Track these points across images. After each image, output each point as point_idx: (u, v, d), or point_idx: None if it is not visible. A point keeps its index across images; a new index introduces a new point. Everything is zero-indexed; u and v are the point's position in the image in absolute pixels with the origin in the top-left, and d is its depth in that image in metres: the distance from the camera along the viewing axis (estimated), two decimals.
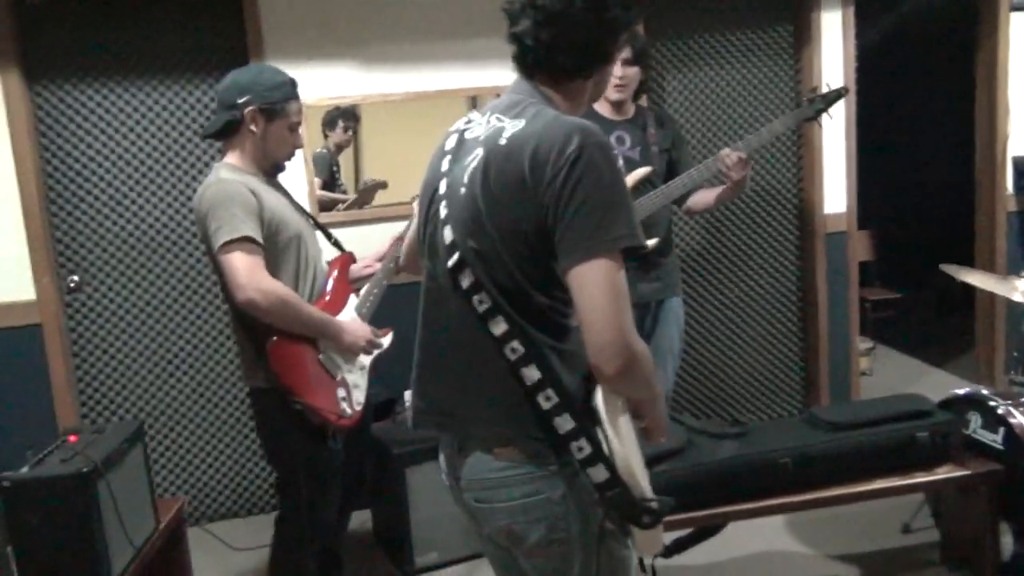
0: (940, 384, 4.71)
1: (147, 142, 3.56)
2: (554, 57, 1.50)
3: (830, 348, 4.35)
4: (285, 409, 2.35)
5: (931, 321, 6.03)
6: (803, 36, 4.16)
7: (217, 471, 3.79)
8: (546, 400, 1.42)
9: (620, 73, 3.10)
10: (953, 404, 2.92)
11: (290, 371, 2.33)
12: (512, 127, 1.44)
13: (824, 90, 3.16)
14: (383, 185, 3.76)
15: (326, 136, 3.64)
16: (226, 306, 3.58)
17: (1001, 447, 2.75)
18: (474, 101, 3.74)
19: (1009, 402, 2.77)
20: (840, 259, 4.32)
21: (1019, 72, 4.43)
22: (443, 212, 1.51)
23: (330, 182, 3.69)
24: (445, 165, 1.55)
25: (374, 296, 2.61)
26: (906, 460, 2.73)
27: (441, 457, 1.66)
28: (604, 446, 1.41)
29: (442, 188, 1.53)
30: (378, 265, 2.67)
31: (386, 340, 2.60)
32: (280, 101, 2.36)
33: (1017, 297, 3.02)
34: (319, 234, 2.63)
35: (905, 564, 3.09)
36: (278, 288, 2.27)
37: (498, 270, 1.43)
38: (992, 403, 2.79)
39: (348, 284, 2.59)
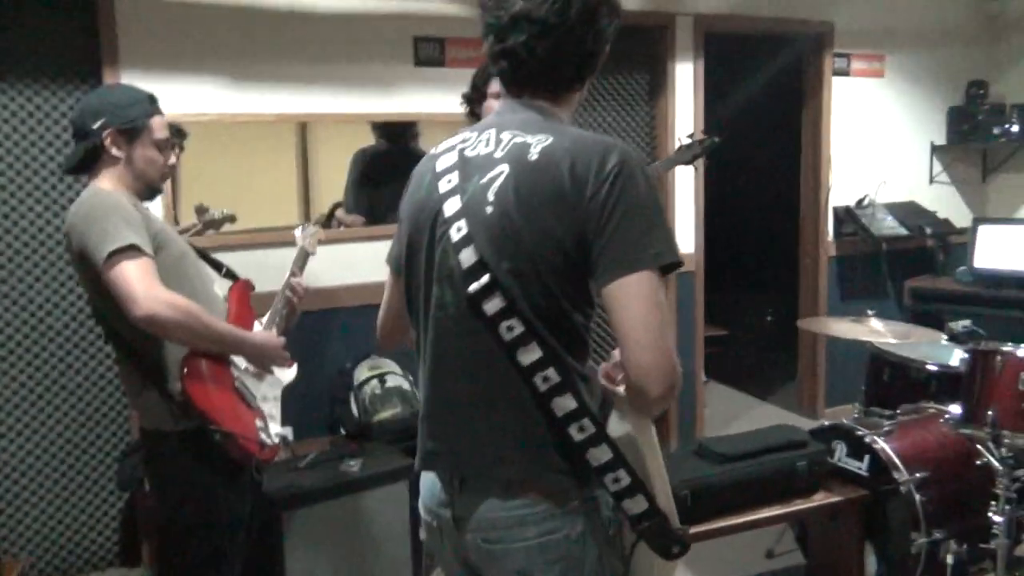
0: (767, 416, 5.04)
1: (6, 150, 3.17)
2: (551, 70, 1.45)
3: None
4: (200, 451, 2.11)
5: (753, 356, 6.45)
6: (658, 85, 4.38)
7: (47, 525, 3.34)
8: (579, 431, 1.35)
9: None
10: (819, 434, 3.11)
11: (208, 396, 2.10)
12: (539, 142, 1.38)
13: (698, 138, 3.32)
14: (231, 219, 3.54)
15: None
16: (98, 342, 3.30)
17: (866, 474, 2.96)
18: (304, 128, 3.66)
19: (872, 431, 3.00)
20: (689, 298, 4.54)
21: (839, 130, 4.89)
22: (457, 234, 1.40)
23: None
24: (445, 186, 1.44)
25: (279, 319, 2.43)
26: (788, 489, 2.87)
27: (427, 495, 1.55)
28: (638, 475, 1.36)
29: (449, 209, 1.42)
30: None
31: (292, 371, 2.42)
32: (140, 117, 2.16)
33: (868, 337, 3.30)
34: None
35: None
36: (178, 298, 2.01)
37: (535, 290, 1.35)
38: (858, 432, 3.00)
39: (250, 309, 2.38)
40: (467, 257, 1.38)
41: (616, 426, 1.39)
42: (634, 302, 1.30)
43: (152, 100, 2.22)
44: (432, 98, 3.74)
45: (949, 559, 2.79)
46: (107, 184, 2.14)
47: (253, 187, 3.60)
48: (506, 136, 1.43)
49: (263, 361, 2.30)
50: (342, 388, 3.63)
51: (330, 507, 3.01)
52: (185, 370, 2.09)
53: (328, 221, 3.73)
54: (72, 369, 3.33)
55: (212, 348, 2.14)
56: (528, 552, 1.41)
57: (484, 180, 1.40)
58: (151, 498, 2.33)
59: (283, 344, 2.34)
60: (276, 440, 2.30)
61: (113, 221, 1.99)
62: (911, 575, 2.88)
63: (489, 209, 1.38)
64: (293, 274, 2.55)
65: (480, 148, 1.45)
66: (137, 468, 3.18)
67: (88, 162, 2.16)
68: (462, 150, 1.47)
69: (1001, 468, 2.77)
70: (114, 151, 2.13)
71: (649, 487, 1.37)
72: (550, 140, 1.38)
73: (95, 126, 2.11)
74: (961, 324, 4.18)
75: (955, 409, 3.12)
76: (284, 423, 2.41)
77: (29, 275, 3.24)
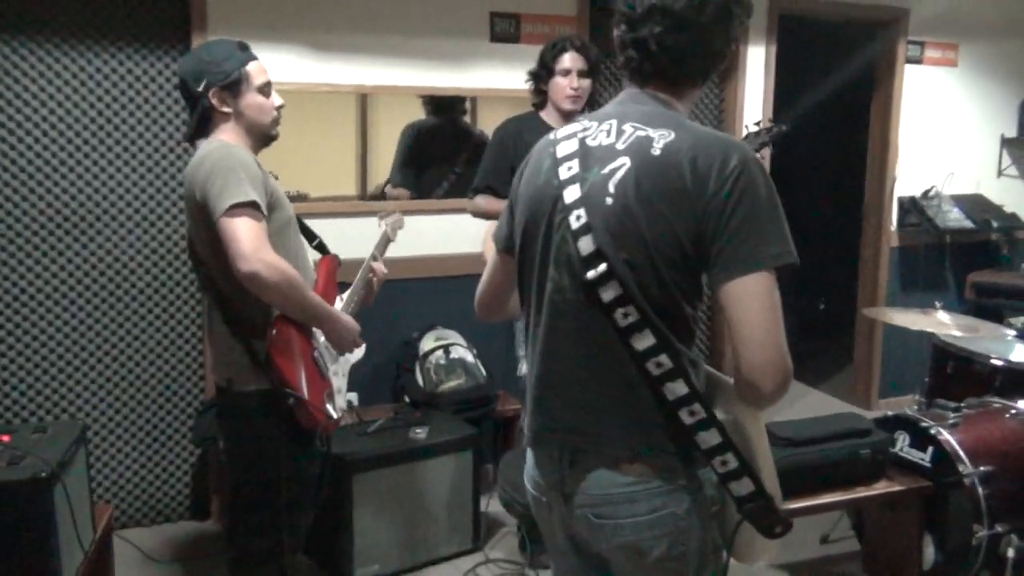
0: (820, 403, 5.03)
1: (83, 112, 3.26)
2: (678, 64, 1.48)
3: None
4: (274, 411, 2.19)
5: (805, 344, 6.41)
6: (728, 68, 4.36)
7: (123, 476, 3.49)
8: (690, 415, 1.39)
9: (575, 84, 3.11)
10: (883, 424, 3.13)
11: (289, 363, 2.17)
12: (662, 137, 1.41)
13: (766, 126, 3.31)
14: (303, 197, 3.61)
15: None
16: (177, 301, 3.43)
17: (928, 464, 2.97)
18: (364, 99, 3.70)
19: (937, 423, 3.00)
20: None
21: (908, 119, 4.84)
22: (577, 222, 1.43)
23: None
24: (565, 173, 1.48)
25: (357, 299, 2.50)
26: (850, 476, 2.90)
27: (536, 472, 1.60)
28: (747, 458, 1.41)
29: (569, 197, 1.45)
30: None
31: (360, 351, 2.49)
32: (237, 68, 2.19)
33: (932, 328, 3.30)
34: None
35: (828, 574, 3.28)
36: (283, 263, 2.07)
37: (650, 281, 1.39)
38: (923, 423, 3.01)
39: (335, 285, 2.45)
40: (585, 245, 1.42)
41: (723, 411, 1.43)
42: (751, 301, 1.34)
43: (244, 47, 2.24)
44: (506, 74, 3.78)
45: (1010, 553, 2.80)
46: (228, 138, 2.19)
47: (314, 158, 3.67)
48: (628, 128, 1.46)
49: (341, 342, 2.35)
50: (408, 357, 3.71)
51: (397, 472, 3.10)
52: (274, 331, 2.16)
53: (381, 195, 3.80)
54: (153, 327, 3.46)
55: (300, 317, 2.20)
56: (637, 527, 1.46)
57: (605, 171, 1.43)
58: (223, 454, 2.40)
59: (359, 330, 2.39)
60: (340, 413, 2.37)
61: (239, 175, 2.04)
62: (970, 567, 2.91)
63: (609, 200, 1.41)
64: (374, 258, 2.59)
65: (601, 138, 1.48)
66: (212, 425, 3.30)
67: (204, 124, 2.22)
68: (583, 138, 1.50)
69: None
70: (224, 108, 2.18)
71: (755, 470, 1.41)
72: (672, 136, 1.41)
73: (200, 89, 2.17)
74: (1022, 320, 4.15)
75: (1022, 404, 3.13)
76: (349, 390, 2.49)
77: (115, 234, 3.36)
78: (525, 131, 3.14)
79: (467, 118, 3.90)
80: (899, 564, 3.04)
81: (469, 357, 3.71)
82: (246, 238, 2.01)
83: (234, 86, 2.19)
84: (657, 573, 1.50)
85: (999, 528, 2.83)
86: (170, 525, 3.56)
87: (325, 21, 3.51)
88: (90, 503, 2.44)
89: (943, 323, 3.35)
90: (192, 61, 2.22)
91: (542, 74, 3.16)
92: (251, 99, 2.21)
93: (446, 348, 3.70)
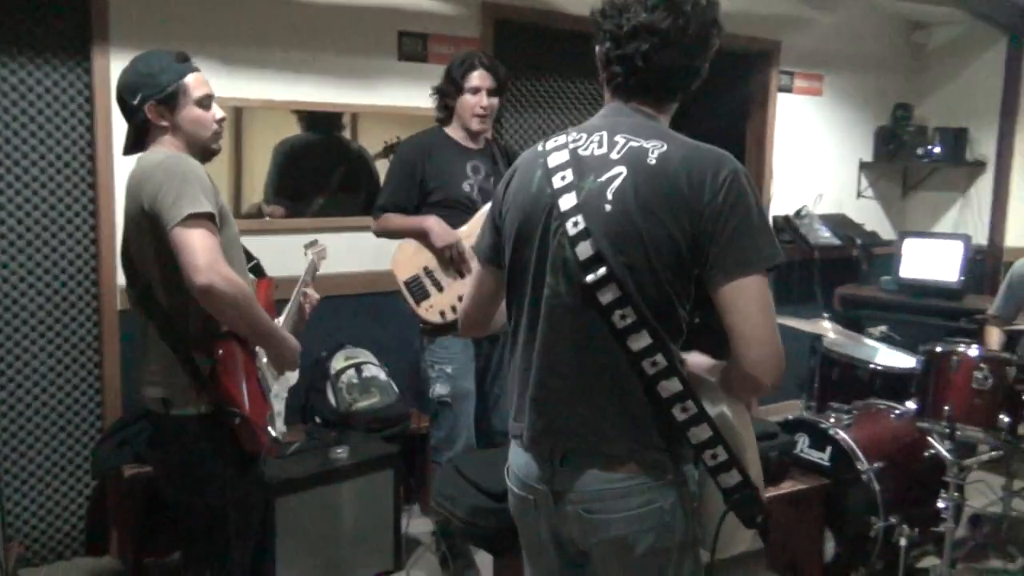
0: None
1: None
2: (663, 80, 1.56)
3: None
4: (216, 434, 2.12)
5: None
6: None
7: (23, 512, 3.25)
8: (682, 412, 1.47)
9: (484, 102, 3.10)
10: (784, 427, 3.33)
11: (235, 382, 2.10)
12: (655, 148, 1.49)
13: None
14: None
15: None
16: (72, 324, 3.22)
17: (827, 463, 3.19)
18: (239, 114, 3.62)
19: (834, 424, 3.23)
20: None
21: (780, 143, 5.18)
22: (574, 228, 1.49)
23: None
24: (559, 182, 1.53)
25: (292, 323, 2.45)
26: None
27: (525, 471, 1.64)
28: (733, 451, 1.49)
29: (565, 204, 1.51)
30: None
31: (295, 374, 2.44)
32: (173, 81, 2.12)
33: (819, 333, 3.55)
34: None
35: (734, 573, 3.44)
36: (238, 279, 2.00)
37: (648, 283, 1.46)
38: (822, 424, 3.23)
39: (273, 309, 2.38)
40: (583, 250, 1.48)
41: (711, 407, 1.52)
42: (749, 302, 1.43)
43: (183, 59, 2.17)
44: (413, 92, 3.80)
45: (902, 542, 3.04)
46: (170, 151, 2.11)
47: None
48: (620, 139, 1.53)
49: (282, 362, 2.29)
50: (317, 377, 3.64)
51: (319, 494, 3.05)
52: (220, 350, 2.09)
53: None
54: (45, 352, 3.25)
55: (249, 335, 2.13)
56: (627, 521, 1.52)
57: (602, 179, 1.50)
58: (169, 482, 2.29)
59: (300, 350, 2.33)
60: (280, 434, 2.32)
61: (194, 185, 1.97)
62: (868, 557, 3.13)
63: (608, 207, 1.48)
64: (306, 284, 2.55)
65: (593, 149, 1.54)
66: (114, 453, 3.13)
67: (141, 137, 2.14)
68: (574, 149, 1.56)
69: (951, 458, 3.04)
70: (161, 122, 2.11)
71: (743, 462, 1.50)
72: (665, 147, 1.49)
73: (135, 102, 2.10)
74: (879, 330, 4.51)
75: (903, 406, 3.41)
76: None
77: (4, 253, 3.14)
78: (433, 148, 3.13)
79: (346, 133, 3.84)
80: (802, 559, 3.24)
81: (382, 375, 3.68)
82: (201, 250, 1.93)
83: (171, 99, 2.11)
84: (641, 567, 1.56)
85: (892, 519, 3.07)
86: (63, 563, 3.34)
87: (234, 35, 3.43)
88: (3, 541, 2.27)
89: (827, 331, 3.61)
90: (128, 73, 2.13)
91: (450, 91, 3.13)
92: (189, 112, 2.14)
93: (358, 367, 3.65)
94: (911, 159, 5.47)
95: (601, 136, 1.55)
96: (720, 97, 5.63)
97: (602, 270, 1.46)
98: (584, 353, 1.53)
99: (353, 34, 3.70)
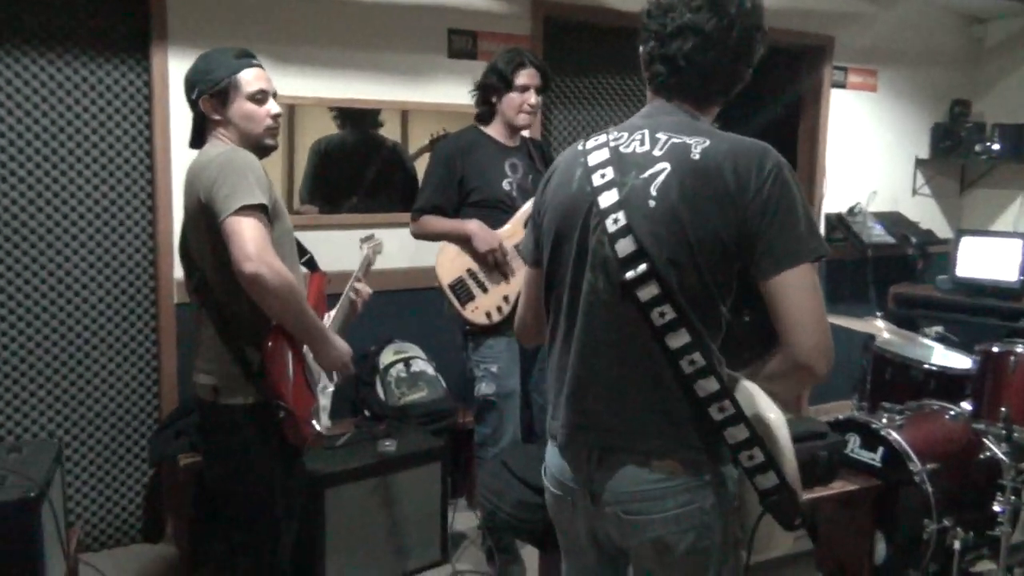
0: None
1: (35, 121, 3.15)
2: (705, 80, 1.56)
3: None
4: (262, 424, 2.16)
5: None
6: None
7: (83, 499, 3.36)
8: (719, 412, 1.46)
9: (532, 100, 3.11)
10: (834, 427, 3.29)
11: (283, 375, 2.14)
12: (698, 143, 1.49)
13: None
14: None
15: None
16: (131, 316, 3.31)
17: (879, 464, 3.14)
18: (291, 111, 3.67)
19: (886, 425, 3.18)
20: None
21: (834, 140, 5.11)
22: (614, 225, 1.49)
23: None
24: (599, 180, 1.54)
25: (342, 319, 2.48)
26: (808, 477, 3.02)
27: (561, 471, 1.65)
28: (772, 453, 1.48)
29: (605, 202, 1.51)
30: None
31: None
32: (226, 77, 2.16)
33: (872, 331, 3.50)
34: None
35: (782, 574, 3.41)
36: (288, 272, 2.03)
37: (690, 279, 1.46)
38: (873, 425, 3.18)
39: (325, 303, 2.42)
40: (624, 247, 1.48)
41: (748, 407, 1.51)
42: (800, 292, 1.43)
43: (241, 55, 2.21)
44: (462, 90, 3.81)
45: (956, 545, 2.98)
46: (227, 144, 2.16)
47: None
48: (662, 136, 1.53)
49: (331, 363, 2.29)
50: (367, 371, 3.69)
51: (368, 485, 3.09)
52: (270, 343, 2.13)
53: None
54: (105, 343, 3.35)
55: (295, 329, 2.15)
56: (666, 522, 1.52)
57: (645, 175, 1.50)
58: (214, 470, 2.34)
59: (351, 354, 2.34)
60: (325, 430, 2.35)
61: (249, 178, 2.01)
62: (920, 560, 3.08)
63: (652, 203, 1.48)
64: (358, 279, 2.57)
65: (635, 146, 1.55)
66: (170, 443, 3.22)
67: (201, 131, 2.20)
68: (616, 147, 1.56)
69: (1007, 461, 2.98)
70: (214, 116, 2.17)
71: (779, 464, 1.49)
72: (707, 142, 1.49)
73: (193, 96, 2.17)
74: (934, 330, 4.43)
75: (958, 407, 3.34)
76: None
77: (67, 247, 3.24)
78: (471, 147, 3.14)
79: (383, 131, 3.85)
80: (852, 561, 3.20)
81: (430, 370, 3.72)
82: (251, 239, 1.97)
83: (222, 94, 2.16)
84: (682, 567, 1.56)
85: (946, 522, 3.01)
86: (121, 549, 3.43)
87: (287, 34, 3.49)
88: (65, 526, 2.35)
89: (880, 330, 3.55)
90: (191, 70, 2.21)
91: (498, 87, 3.13)
92: (240, 107, 2.17)
93: (406, 361, 3.69)
94: (969, 156, 5.35)
95: (643, 134, 1.56)
96: (773, 93, 5.58)
97: (643, 267, 1.46)
98: (622, 351, 1.53)
99: (403, 31, 3.74)
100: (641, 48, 1.61)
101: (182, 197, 2.19)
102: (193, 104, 2.18)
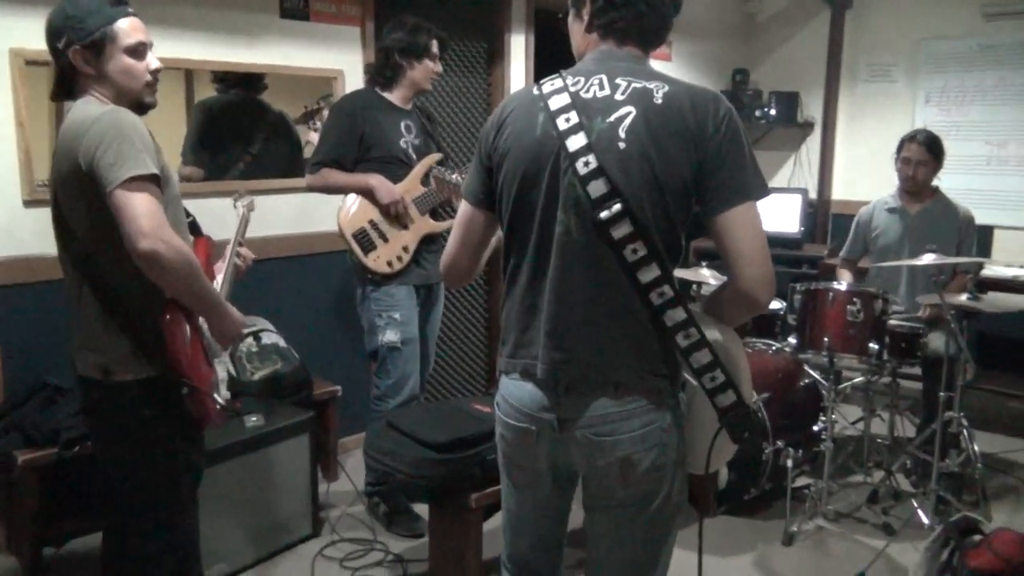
0: None
1: None
2: (659, 27, 1.69)
3: None
4: (159, 400, 2.04)
5: None
6: (495, 54, 4.62)
7: None
8: (685, 339, 1.59)
9: (439, 68, 3.33)
10: None
11: (182, 349, 2.01)
12: (659, 87, 1.59)
13: None
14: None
15: None
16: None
17: None
18: (190, 75, 3.50)
19: None
20: None
21: None
22: (585, 168, 1.56)
23: None
24: (564, 124, 1.59)
25: (227, 286, 2.35)
26: None
27: (529, 401, 1.71)
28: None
29: (573, 145, 1.58)
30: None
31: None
32: (101, 26, 1.96)
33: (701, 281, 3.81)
34: None
35: None
36: (184, 246, 1.90)
37: (659, 216, 1.57)
38: None
39: (212, 271, 2.28)
40: (596, 188, 1.56)
41: (708, 333, 1.64)
42: (746, 227, 1.57)
43: (117, 2, 2.00)
44: (294, 52, 3.71)
45: (788, 463, 3.36)
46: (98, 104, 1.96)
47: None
48: (621, 81, 1.62)
49: (225, 334, 2.17)
50: None
51: (238, 464, 2.98)
52: (167, 316, 2.00)
53: None
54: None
55: (192, 303, 2.03)
56: (632, 441, 1.64)
57: (611, 119, 1.59)
58: (110, 452, 2.16)
59: (246, 324, 2.24)
60: (224, 403, 2.24)
61: (135, 145, 1.85)
62: (759, 479, 3.44)
63: (622, 145, 1.57)
64: (240, 243, 2.44)
65: (595, 91, 1.62)
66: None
67: (68, 84, 1.99)
68: (576, 92, 1.63)
69: (826, 383, 3.39)
70: (86, 69, 1.96)
71: (737, 383, 1.64)
72: (667, 87, 1.60)
73: (60, 46, 1.95)
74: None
75: (782, 342, 3.74)
76: None
77: None
78: (371, 106, 3.25)
79: (266, 96, 3.75)
80: (699, 490, 3.50)
81: (281, 342, 3.61)
82: (145, 214, 1.83)
83: (96, 45, 1.96)
84: (644, 482, 1.68)
85: (779, 444, 3.39)
86: None
87: None
88: None
89: (707, 278, 3.89)
90: (55, 15, 1.97)
91: (416, 53, 3.25)
92: (118, 61, 1.99)
93: (255, 335, 3.56)
94: (750, 121, 5.90)
95: (600, 79, 1.64)
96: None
97: (617, 206, 1.55)
98: (596, 287, 1.61)
99: None
100: None
101: (50, 158, 1.99)
102: (59, 54, 1.96)
